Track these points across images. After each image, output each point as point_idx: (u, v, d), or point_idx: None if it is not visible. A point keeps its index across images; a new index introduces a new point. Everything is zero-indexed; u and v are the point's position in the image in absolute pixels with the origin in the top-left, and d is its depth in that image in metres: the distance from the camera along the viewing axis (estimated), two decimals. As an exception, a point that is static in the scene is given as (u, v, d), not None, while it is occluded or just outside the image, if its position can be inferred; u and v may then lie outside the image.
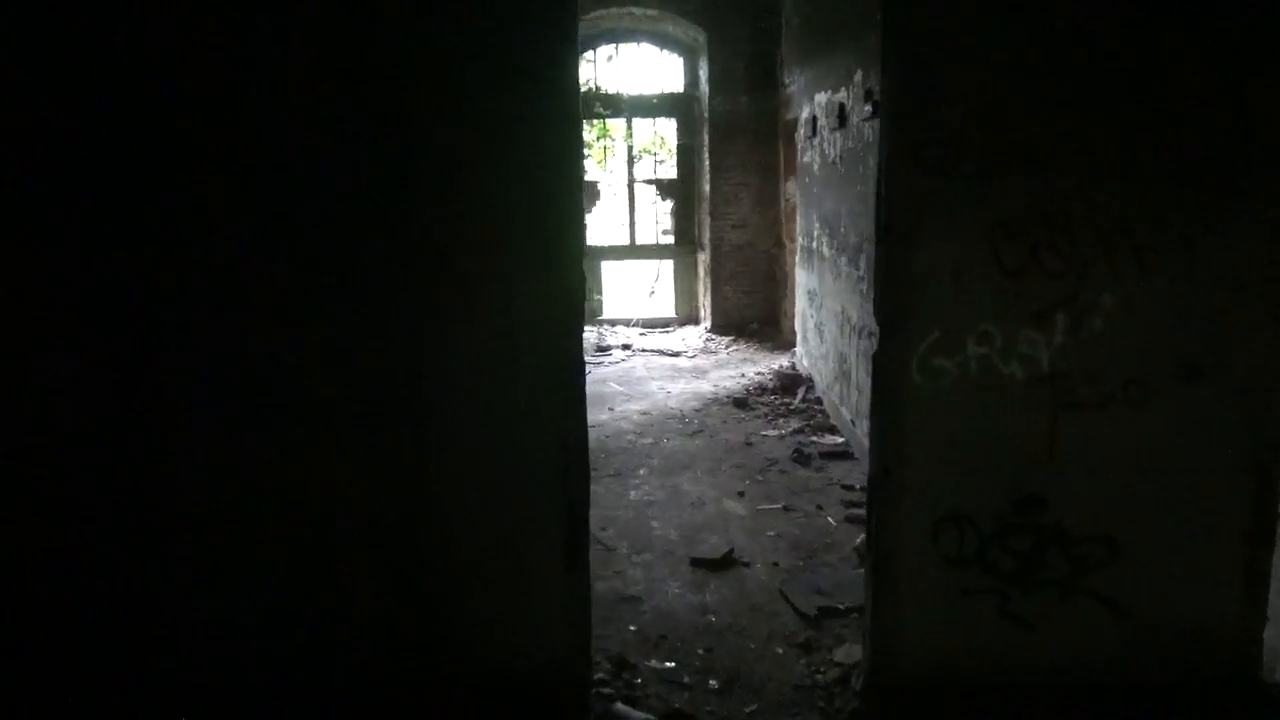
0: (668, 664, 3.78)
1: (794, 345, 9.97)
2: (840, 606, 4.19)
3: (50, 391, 2.95)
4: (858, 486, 5.78)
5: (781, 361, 9.97)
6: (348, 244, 2.97)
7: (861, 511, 4.43)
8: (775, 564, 4.76)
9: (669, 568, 4.74)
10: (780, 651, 3.88)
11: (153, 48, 2.84)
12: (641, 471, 6.39)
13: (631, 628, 4.08)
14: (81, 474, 3.00)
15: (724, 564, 4.76)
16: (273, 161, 2.92)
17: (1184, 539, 3.24)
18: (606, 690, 3.54)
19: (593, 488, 5.86)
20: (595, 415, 7.91)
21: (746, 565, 4.77)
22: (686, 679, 3.67)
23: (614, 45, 12.39)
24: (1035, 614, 3.28)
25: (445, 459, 3.09)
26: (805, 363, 9.18)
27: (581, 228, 3.17)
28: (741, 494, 5.87)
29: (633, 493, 5.93)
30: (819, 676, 3.67)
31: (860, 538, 4.59)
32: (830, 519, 5.40)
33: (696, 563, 4.78)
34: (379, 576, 3.14)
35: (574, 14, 2.95)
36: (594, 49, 12.35)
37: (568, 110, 2.99)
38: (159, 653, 3.12)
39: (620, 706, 3.44)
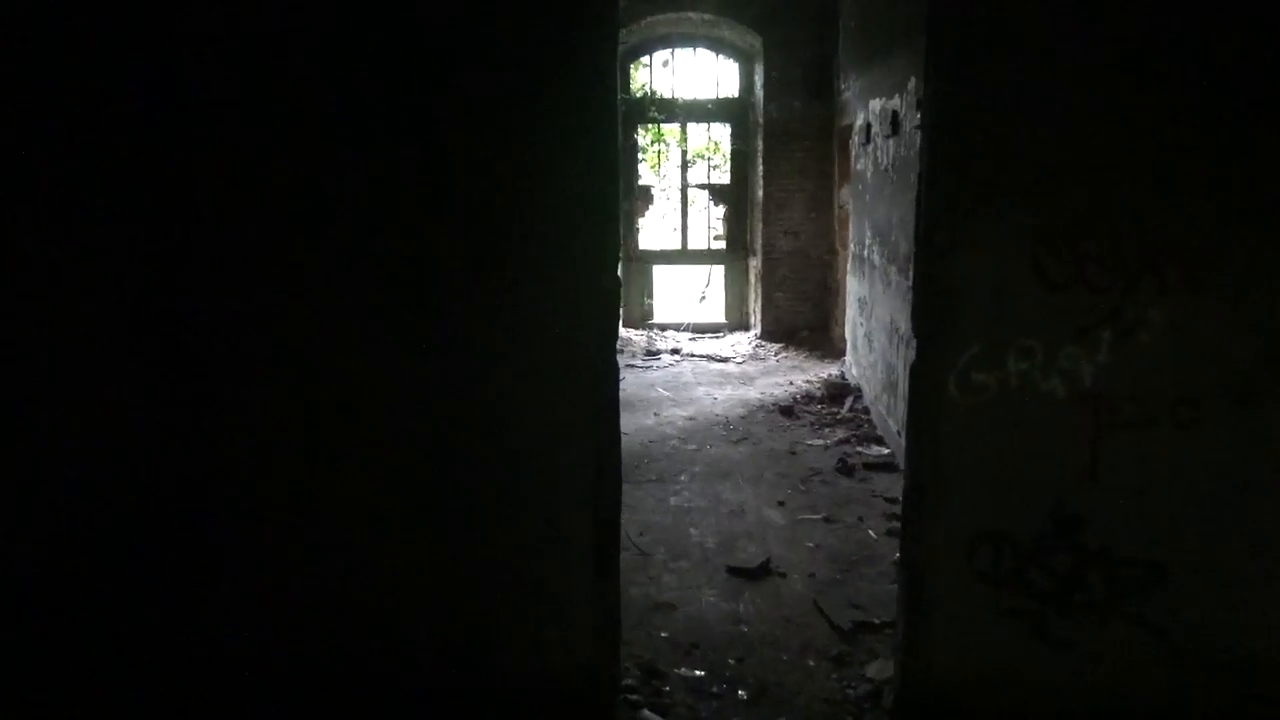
0: (697, 673, 3.77)
1: (844, 354, 9.87)
2: (875, 621, 4.13)
3: (107, 386, 3.04)
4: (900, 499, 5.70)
5: (831, 370, 9.87)
6: (378, 242, 3.02)
7: (901, 525, 4.37)
8: (812, 575, 4.72)
9: (704, 575, 4.72)
10: (812, 664, 3.84)
11: (220, 54, 2.93)
12: (683, 477, 6.37)
13: (663, 634, 4.07)
14: (138, 463, 3.09)
15: (760, 573, 4.72)
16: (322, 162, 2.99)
17: (1234, 566, 3.12)
18: (634, 697, 3.54)
19: (633, 493, 5.92)
20: (641, 420, 7.93)
21: (783, 576, 4.72)
22: (715, 689, 3.65)
23: (670, 50, 12.39)
24: (1073, 637, 3.19)
25: (475, 461, 3.12)
26: (854, 372, 9.08)
27: (616, 233, 3.17)
28: (782, 503, 5.82)
29: (673, 499, 5.92)
30: (850, 691, 3.62)
31: (900, 552, 4.52)
32: (871, 532, 5.33)
33: (733, 571, 4.75)
34: (404, 576, 3.18)
35: (611, 19, 2.96)
36: (650, 54, 12.38)
37: (603, 118, 3.00)
38: (187, 645, 3.20)
39: (647, 714, 3.44)
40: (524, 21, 2.94)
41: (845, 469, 6.50)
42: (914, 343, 3.22)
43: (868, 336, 8.31)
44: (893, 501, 5.75)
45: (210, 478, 3.14)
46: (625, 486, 5.95)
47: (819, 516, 5.58)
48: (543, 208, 3.04)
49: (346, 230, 3.04)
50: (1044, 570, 3.17)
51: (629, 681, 3.63)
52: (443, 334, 3.06)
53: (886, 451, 6.87)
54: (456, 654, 3.23)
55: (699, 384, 9.46)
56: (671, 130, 12.86)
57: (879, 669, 3.72)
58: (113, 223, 2.99)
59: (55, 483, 3.04)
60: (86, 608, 3.12)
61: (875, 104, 8.06)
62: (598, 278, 3.10)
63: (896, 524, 5.28)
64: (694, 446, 7.16)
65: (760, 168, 11.59)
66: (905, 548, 3.30)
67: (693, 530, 5.35)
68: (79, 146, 2.92)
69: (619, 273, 10.60)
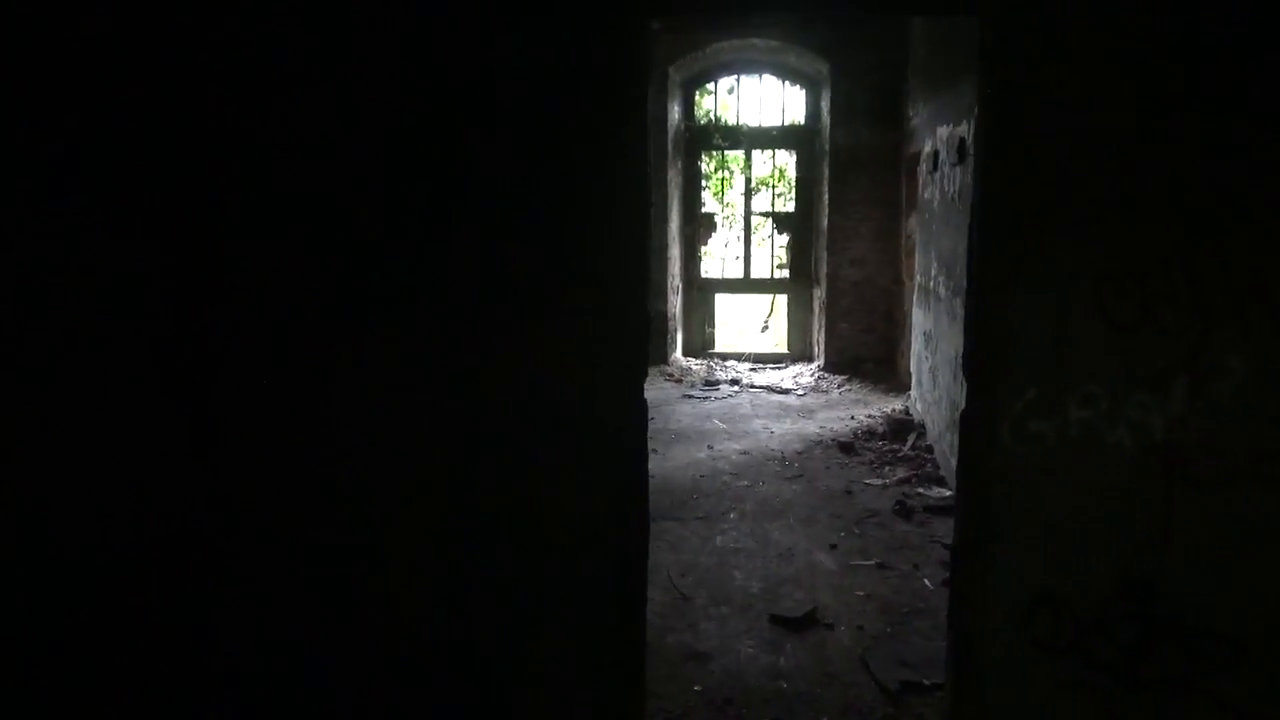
0: (729, 732, 3.53)
1: (909, 388, 9.51)
2: (925, 682, 3.84)
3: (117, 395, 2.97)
4: (961, 547, 5.37)
5: (894, 405, 9.52)
6: (401, 267, 2.90)
7: (957, 578, 4.08)
8: (860, 627, 4.43)
9: (746, 623, 4.48)
10: (854, 729, 3.58)
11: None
12: (732, 515, 6.13)
13: (696, 688, 3.85)
14: (148, 482, 3.01)
15: (805, 624, 4.46)
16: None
17: (1327, 642, 2.79)
18: (659, 757, 3.33)
19: (678, 531, 5.72)
20: (693, 453, 7.73)
21: (829, 627, 4.45)
22: (748, 751, 3.42)
23: (735, 77, 12.26)
24: (1142, 716, 2.88)
25: (490, 499, 2.96)
26: (919, 407, 8.72)
27: (646, 267, 3.00)
28: (834, 547, 5.54)
29: (719, 538, 5.68)
30: (893, 762, 3.35)
31: (955, 606, 4.22)
32: (927, 581, 5.01)
33: (776, 620, 4.50)
34: (416, 624, 3.03)
35: (638, 47, 2.81)
36: (714, 80, 12.26)
37: (636, 151, 2.85)
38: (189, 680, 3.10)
39: (672, 776, 3.22)
40: (560, 56, 2.81)
41: (903, 511, 6.19)
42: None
43: (932, 371, 7.97)
44: (952, 549, 5.44)
45: (224, 511, 3.04)
46: (670, 524, 5.80)
47: (872, 562, 5.28)
48: (567, 239, 2.89)
49: (369, 256, 2.93)
50: (1109, 641, 2.87)
51: (655, 739, 3.42)
52: (458, 366, 2.93)
53: (948, 494, 6.52)
54: (469, 705, 3.06)
55: (757, 416, 9.21)
56: (735, 157, 12.70)
57: (926, 737, 3.44)
58: (136, 239, 2.93)
59: (65, 505, 2.99)
60: (94, 632, 3.05)
61: (943, 131, 7.78)
62: (624, 314, 2.93)
63: (955, 574, 4.97)
64: (746, 483, 6.91)
65: (826, 196, 11.33)
66: (954, 610, 3.04)
67: (737, 573, 5.11)
68: (110, 162, 2.87)
69: (678, 303, 10.29)
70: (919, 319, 8.94)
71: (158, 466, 3.00)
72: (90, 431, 2.93)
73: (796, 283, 12.49)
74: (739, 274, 12.92)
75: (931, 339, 8.08)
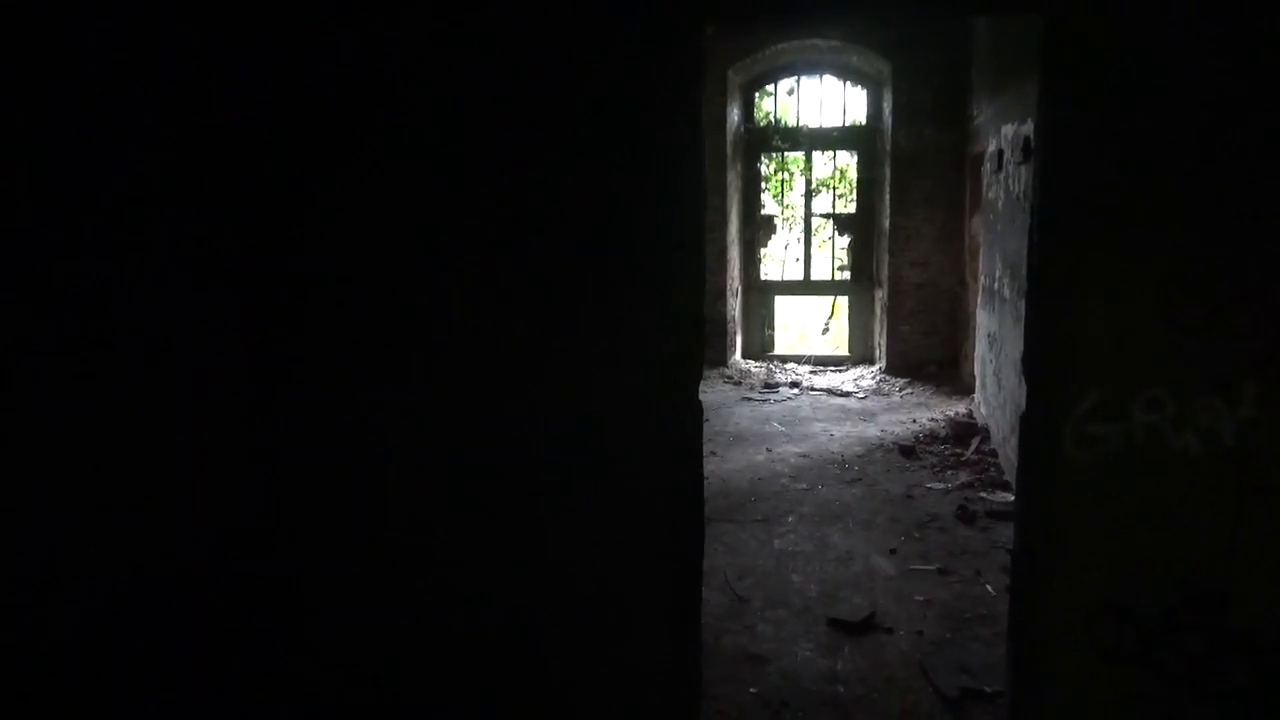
0: (785, 736, 3.53)
1: (973, 391, 9.36)
2: (986, 689, 3.78)
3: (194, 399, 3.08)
4: (1025, 553, 5.26)
5: (958, 408, 9.37)
6: (454, 277, 2.97)
7: (1019, 585, 4.00)
8: (920, 633, 4.38)
9: (803, 626, 4.46)
10: (912, 735, 3.54)
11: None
12: (790, 519, 6.10)
13: (752, 690, 3.84)
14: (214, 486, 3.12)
15: (863, 628, 4.43)
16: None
17: None
18: (714, 759, 3.33)
19: (736, 534, 5.72)
20: (752, 456, 7.71)
21: (888, 631, 4.41)
22: (803, 755, 3.41)
23: (795, 78, 12.19)
24: (1211, 729, 2.81)
25: (545, 504, 3.01)
26: (983, 410, 8.58)
27: (701, 269, 3.02)
28: (894, 551, 5.48)
29: (777, 541, 5.66)
30: (952, 770, 3.31)
31: (1018, 613, 4.14)
32: (989, 587, 4.94)
33: (833, 624, 4.47)
34: (473, 626, 3.08)
35: (689, 45, 2.83)
36: (774, 82, 12.21)
37: (685, 149, 2.87)
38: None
39: (727, 778, 3.23)
40: (617, 66, 2.85)
41: (965, 516, 6.09)
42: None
43: (996, 374, 7.83)
44: (1016, 555, 5.33)
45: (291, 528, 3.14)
46: (727, 526, 5.80)
47: (932, 568, 5.22)
48: (625, 242, 2.92)
49: (440, 267, 3.00)
50: (1176, 651, 2.81)
51: (710, 741, 3.43)
52: (513, 369, 2.98)
53: (1012, 499, 6.39)
54: (520, 704, 3.11)
55: (816, 419, 9.14)
56: (795, 159, 12.61)
57: (986, 745, 3.39)
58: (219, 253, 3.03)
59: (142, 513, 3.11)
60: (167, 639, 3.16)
61: (1007, 129, 7.64)
62: (678, 312, 2.95)
63: (1018, 581, 4.88)
64: (805, 486, 6.87)
65: (887, 196, 11.20)
66: (1015, 617, 3.00)
67: (795, 577, 5.09)
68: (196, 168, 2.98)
69: (738, 305, 10.21)
70: (983, 321, 8.79)
71: (237, 462, 3.11)
72: (169, 431, 3.05)
73: (857, 285, 12.37)
74: (799, 276, 12.83)
75: (996, 341, 7.95)
